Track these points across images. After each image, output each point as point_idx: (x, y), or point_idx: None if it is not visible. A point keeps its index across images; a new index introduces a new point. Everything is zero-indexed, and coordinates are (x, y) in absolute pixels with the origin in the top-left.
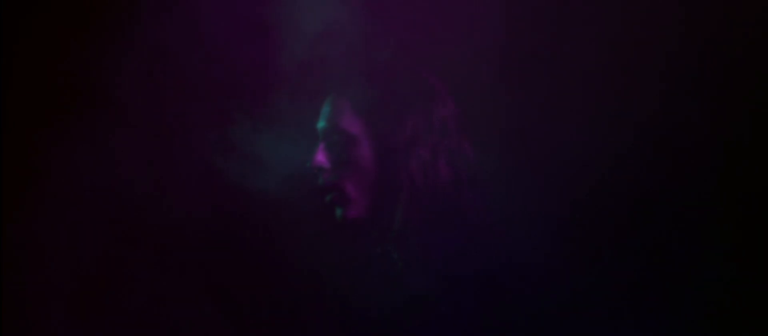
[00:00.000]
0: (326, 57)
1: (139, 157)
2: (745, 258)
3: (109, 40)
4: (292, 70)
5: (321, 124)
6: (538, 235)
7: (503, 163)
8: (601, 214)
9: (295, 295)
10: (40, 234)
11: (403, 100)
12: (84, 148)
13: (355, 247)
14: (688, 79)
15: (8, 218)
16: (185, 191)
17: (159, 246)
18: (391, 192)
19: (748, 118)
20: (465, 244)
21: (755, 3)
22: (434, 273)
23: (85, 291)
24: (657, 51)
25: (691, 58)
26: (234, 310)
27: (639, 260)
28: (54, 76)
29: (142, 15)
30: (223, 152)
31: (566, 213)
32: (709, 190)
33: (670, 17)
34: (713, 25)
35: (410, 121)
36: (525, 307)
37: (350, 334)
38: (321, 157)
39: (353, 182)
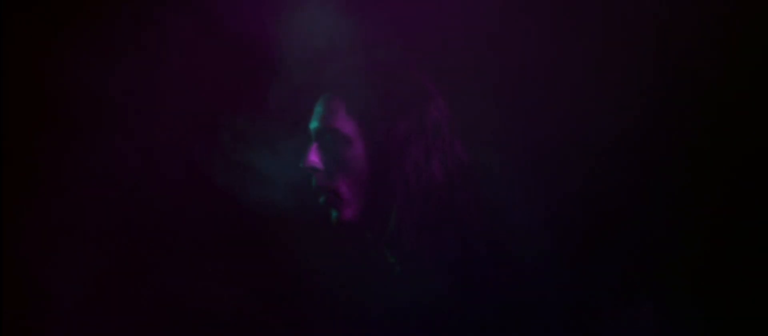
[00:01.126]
0: (321, 58)
1: (138, 159)
2: (732, 253)
3: (109, 44)
4: (290, 72)
5: (314, 124)
6: (532, 236)
7: (496, 165)
8: (595, 213)
9: (294, 297)
10: (39, 236)
11: (397, 101)
12: (84, 150)
13: (352, 250)
14: (672, 82)
15: (8, 219)
16: (183, 194)
17: (156, 248)
18: (384, 193)
19: (732, 118)
20: (459, 245)
21: (734, 8)
22: (429, 274)
23: (82, 292)
24: (643, 55)
25: (674, 62)
26: (231, 312)
27: (633, 257)
28: (52, 79)
29: (143, 18)
30: (220, 155)
31: (560, 213)
32: (696, 188)
33: (655, 23)
34: (695, 28)
35: (403, 123)
36: (520, 306)
37: (349, 335)
38: (314, 158)
39: (347, 183)
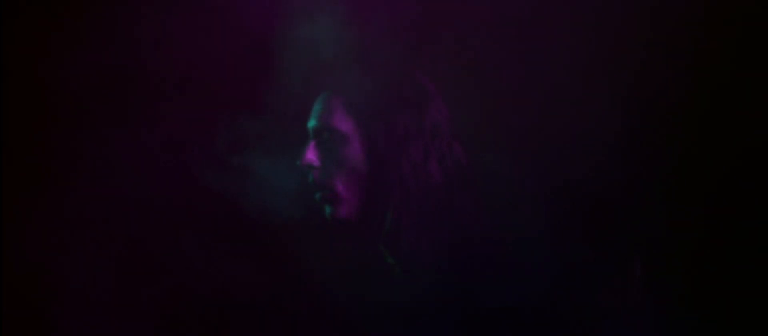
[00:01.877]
0: (321, 57)
1: (138, 158)
2: (732, 251)
3: (109, 43)
4: (290, 72)
5: (312, 122)
6: (532, 236)
7: (496, 165)
8: (595, 213)
9: (294, 297)
10: (39, 235)
11: (396, 101)
12: (85, 150)
13: (352, 250)
14: (672, 80)
15: (8, 218)
16: (183, 194)
17: (156, 248)
18: (381, 192)
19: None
20: (456, 245)
21: (724, 13)
22: (426, 274)
23: (82, 292)
24: (642, 52)
25: (673, 60)
26: (231, 311)
27: (633, 256)
28: (52, 78)
29: (143, 18)
30: (220, 156)
31: (560, 212)
32: (695, 187)
33: (655, 19)
34: (694, 24)
35: (402, 123)
36: (520, 306)
37: (347, 335)
38: (311, 155)
39: (344, 181)
